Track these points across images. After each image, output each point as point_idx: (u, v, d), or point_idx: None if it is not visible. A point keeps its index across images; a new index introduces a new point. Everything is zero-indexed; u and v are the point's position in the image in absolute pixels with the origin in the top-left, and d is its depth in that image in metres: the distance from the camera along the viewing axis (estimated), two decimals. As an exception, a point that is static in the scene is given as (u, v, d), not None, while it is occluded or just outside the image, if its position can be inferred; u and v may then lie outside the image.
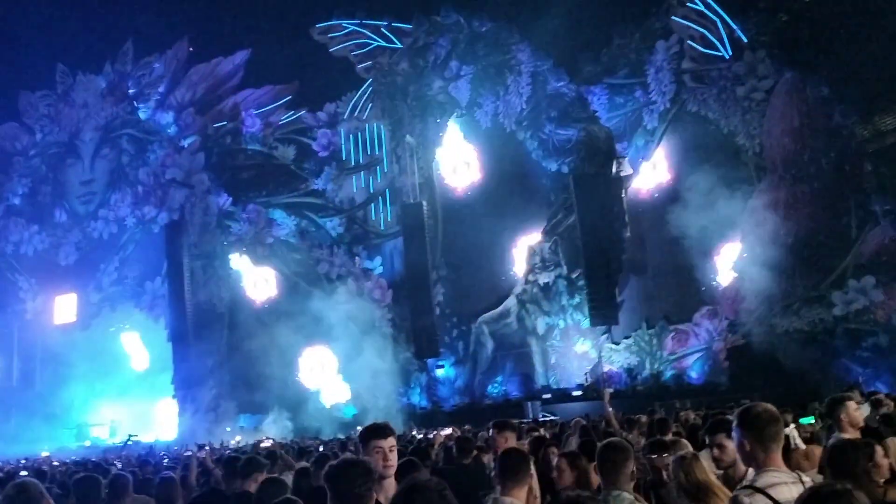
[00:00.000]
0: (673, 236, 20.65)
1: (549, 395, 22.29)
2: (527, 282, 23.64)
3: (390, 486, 3.38)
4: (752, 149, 21.11)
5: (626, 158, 22.74)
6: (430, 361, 24.34)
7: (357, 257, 26.32)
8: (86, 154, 30.98)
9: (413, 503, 2.27)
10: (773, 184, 20.31)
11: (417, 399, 24.30)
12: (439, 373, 24.34)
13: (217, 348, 26.63)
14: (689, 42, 22.42)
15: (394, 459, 3.47)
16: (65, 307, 30.83)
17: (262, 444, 14.17)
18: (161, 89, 30.22)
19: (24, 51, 29.69)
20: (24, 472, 10.76)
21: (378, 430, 3.53)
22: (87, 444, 26.29)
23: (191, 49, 30.21)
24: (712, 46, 22.31)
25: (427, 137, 24.99)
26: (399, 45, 25.53)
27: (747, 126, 21.17)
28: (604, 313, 22.04)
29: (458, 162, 25.43)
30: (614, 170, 22.36)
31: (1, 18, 30.06)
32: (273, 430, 22.50)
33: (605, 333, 22.82)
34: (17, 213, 31.95)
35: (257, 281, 27.34)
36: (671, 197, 21.45)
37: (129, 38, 31.10)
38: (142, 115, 30.46)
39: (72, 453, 21.61)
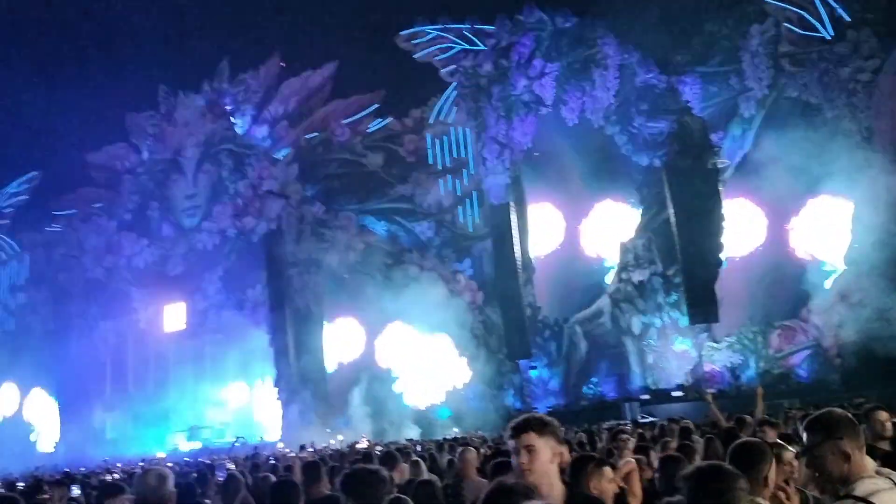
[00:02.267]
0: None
1: (647, 396, 21.69)
2: (620, 280, 23.08)
3: (558, 494, 2.82)
4: (860, 132, 19.87)
5: (723, 149, 21.87)
6: (522, 363, 24.16)
7: (447, 260, 26.49)
8: (189, 170, 32.69)
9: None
10: (885, 168, 19.03)
11: (511, 401, 24.16)
12: (532, 374, 24.12)
13: (318, 353, 27.41)
14: (785, 24, 21.38)
15: (532, 461, 2.83)
16: (174, 315, 32.57)
17: (358, 445, 14.44)
18: (255, 105, 31.49)
19: (130, 74, 31.63)
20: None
21: (516, 426, 2.92)
22: (199, 445, 27.58)
23: (282, 64, 31.36)
24: (811, 28, 21.19)
25: (513, 137, 24.83)
26: (482, 47, 25.55)
27: (853, 109, 19.95)
28: (703, 311, 21.27)
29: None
30: (710, 161, 21.55)
31: (107, 45, 32.18)
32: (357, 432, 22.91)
33: (705, 331, 22.00)
34: (129, 228, 34.01)
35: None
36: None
37: (224, 57, 32.61)
38: (238, 130, 31.83)
39: (184, 455, 22.73)
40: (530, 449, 2.81)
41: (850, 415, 2.88)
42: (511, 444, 2.84)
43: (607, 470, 3.90)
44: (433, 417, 24.63)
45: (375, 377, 26.39)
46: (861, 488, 2.68)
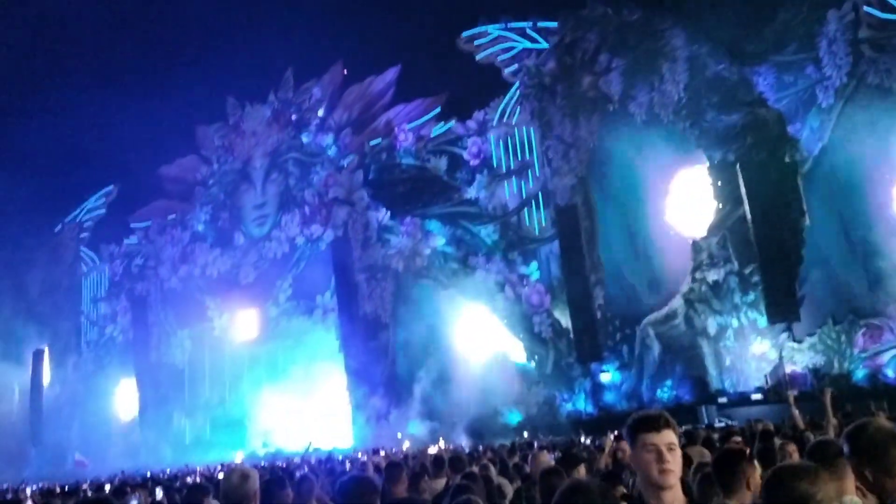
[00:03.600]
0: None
1: (724, 400, 20.94)
2: (693, 280, 22.33)
3: (675, 499, 2.58)
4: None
5: (801, 141, 20.94)
6: (593, 366, 23.68)
7: (513, 263, 26.25)
8: (257, 179, 33.50)
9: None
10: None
11: (583, 405, 23.72)
12: (604, 378, 23.60)
13: (385, 358, 27.59)
14: (865, 8, 20.32)
15: (675, 462, 2.61)
16: (247, 323, 33.37)
17: (430, 451, 14.38)
18: (320, 113, 32.01)
19: (198, 87, 32.66)
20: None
21: (647, 421, 2.67)
22: (273, 450, 28.10)
23: (345, 71, 31.79)
24: (893, 10, 20.08)
25: (579, 136, 24.40)
26: (545, 45, 25.24)
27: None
28: (783, 310, 20.37)
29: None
30: (787, 154, 20.66)
31: (176, 59, 33.32)
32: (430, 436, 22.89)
33: (785, 332, 21.08)
34: (202, 238, 35.10)
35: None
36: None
37: (288, 66, 33.28)
38: (304, 138, 32.41)
39: (260, 459, 23.17)
40: (672, 447, 2.61)
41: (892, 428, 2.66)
42: (646, 439, 2.60)
43: (756, 465, 3.75)
44: (503, 421, 24.42)
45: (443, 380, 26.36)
46: None
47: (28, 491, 13.04)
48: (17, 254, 38.10)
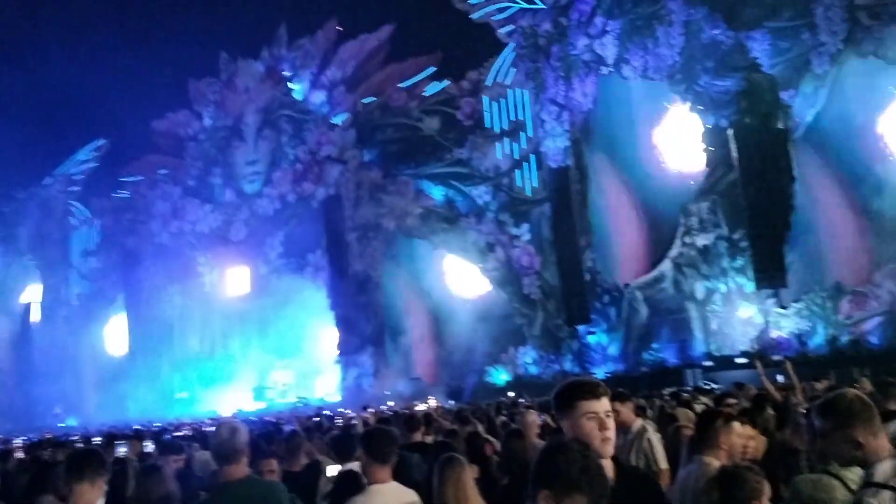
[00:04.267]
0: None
1: (710, 363, 21.24)
2: (683, 244, 22.47)
3: (608, 466, 2.43)
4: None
5: (794, 107, 20.88)
6: (581, 328, 23.96)
7: (504, 225, 26.32)
8: (249, 136, 33.23)
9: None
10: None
11: (569, 366, 24.06)
12: (591, 339, 23.91)
13: (375, 317, 27.81)
14: (862, -26, 20.07)
15: (613, 430, 2.52)
16: (237, 279, 33.47)
17: (417, 408, 14.60)
18: (313, 70, 31.62)
19: (190, 41, 32.16)
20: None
21: (588, 389, 2.55)
22: (264, 405, 28.47)
23: (339, 28, 31.31)
24: (891, -23, 19.82)
25: (572, 98, 24.26)
26: (541, 6, 24.90)
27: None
28: (770, 276, 20.55)
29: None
30: (780, 121, 20.63)
31: (168, 12, 32.73)
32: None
33: (772, 297, 21.32)
34: (193, 194, 34.94)
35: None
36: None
37: (282, 22, 32.74)
38: (297, 96, 32.09)
39: (249, 414, 23.48)
40: (610, 415, 2.54)
41: (864, 397, 2.74)
42: (586, 407, 2.51)
43: (737, 425, 3.89)
44: (489, 382, 24.78)
45: (431, 339, 26.69)
46: (880, 472, 2.56)
47: (18, 442, 13.21)
48: (7, 206, 37.90)
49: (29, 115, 32.98)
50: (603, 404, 2.55)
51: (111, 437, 10.49)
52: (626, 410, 5.28)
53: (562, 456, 2.02)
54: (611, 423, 2.54)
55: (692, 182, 22.66)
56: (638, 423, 5.37)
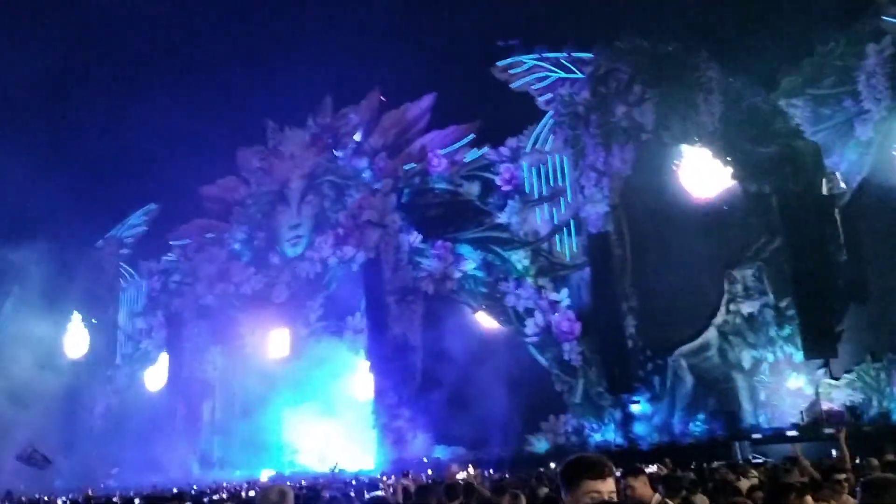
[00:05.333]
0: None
1: (759, 435, 20.51)
2: (728, 312, 22.04)
3: None
4: None
5: (838, 174, 20.66)
6: (624, 397, 23.41)
7: (543, 290, 26.19)
8: (293, 201, 34.07)
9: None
10: None
11: (612, 436, 23.43)
12: (634, 409, 23.30)
13: (412, 381, 27.63)
14: (905, 42, 20.09)
15: None
16: (278, 341, 33.74)
17: (459, 475, 14.31)
18: (357, 137, 32.53)
19: (240, 111, 33.53)
20: (251, 492, 11.85)
21: (592, 467, 2.51)
22: (300, 470, 28.21)
23: (382, 98, 32.34)
24: (934, 44, 19.80)
25: (611, 165, 24.42)
26: (580, 75, 25.40)
27: None
28: (820, 345, 19.97)
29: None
30: (824, 187, 20.40)
31: (219, 84, 34.25)
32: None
33: (822, 367, 20.64)
34: (238, 256, 35.70)
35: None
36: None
37: (327, 92, 33.98)
38: (340, 162, 32.93)
39: (286, 478, 23.30)
40: (612, 497, 2.51)
41: None
42: (590, 486, 2.46)
43: (809, 500, 3.76)
44: (530, 449, 24.22)
45: (470, 406, 26.27)
46: None
47: (59, 502, 13.29)
48: (60, 266, 39.15)
49: (85, 181, 34.48)
50: (608, 485, 2.51)
51: (151, 500, 10.52)
52: (641, 485, 5.03)
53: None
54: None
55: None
56: (656, 498, 5.14)
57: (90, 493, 19.99)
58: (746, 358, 21.68)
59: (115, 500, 13.13)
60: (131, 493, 16.45)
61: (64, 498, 16.39)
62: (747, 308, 21.71)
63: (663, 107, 23.41)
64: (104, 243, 40.33)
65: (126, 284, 40.09)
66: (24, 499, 20.73)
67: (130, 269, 40.00)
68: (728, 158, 22.23)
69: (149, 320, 38.25)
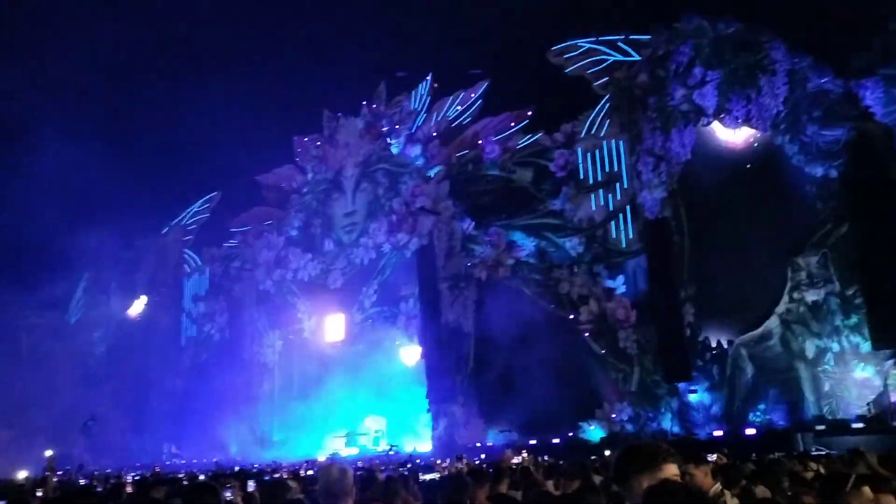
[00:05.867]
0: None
1: (822, 427, 19.90)
2: (791, 300, 21.38)
3: None
4: None
5: (910, 157, 19.77)
6: (681, 385, 23.02)
7: (598, 277, 25.90)
8: (348, 189, 34.58)
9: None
10: None
11: (669, 425, 23.10)
12: (692, 398, 22.89)
13: (465, 367, 27.77)
14: None
15: None
16: (334, 326, 34.37)
17: (514, 460, 14.37)
18: (410, 125, 32.69)
19: (296, 101, 34.07)
20: (310, 471, 12.16)
21: (651, 458, 2.34)
22: (356, 451, 28.76)
23: (435, 85, 32.38)
24: None
25: (670, 149, 23.88)
26: (637, 58, 24.90)
27: None
28: (889, 335, 19.21)
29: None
30: (894, 172, 19.55)
31: (276, 74, 34.86)
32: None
33: (891, 358, 19.88)
34: (295, 244, 36.48)
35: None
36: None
37: (381, 80, 34.22)
38: (394, 150, 33.19)
39: (342, 459, 23.76)
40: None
41: None
42: (645, 478, 2.33)
43: (867, 490, 3.70)
44: (583, 437, 24.10)
45: (524, 391, 26.26)
46: None
47: (128, 478, 13.88)
48: (128, 252, 40.68)
49: (150, 170, 35.68)
50: (666, 471, 2.37)
51: (216, 477, 10.88)
52: (701, 474, 4.93)
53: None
54: None
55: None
56: (716, 488, 5.07)
57: (157, 469, 20.87)
58: (810, 347, 21.03)
59: (180, 476, 13.64)
60: (195, 471, 17.04)
61: (133, 474, 17.10)
62: (811, 296, 21.03)
63: (725, 89, 22.75)
64: (169, 230, 41.72)
65: (190, 270, 41.39)
66: (95, 472, 21.73)
67: (194, 255, 41.26)
68: (792, 142, 21.48)
69: (211, 305, 39.43)
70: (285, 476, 12.26)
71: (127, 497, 8.82)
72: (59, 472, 18.57)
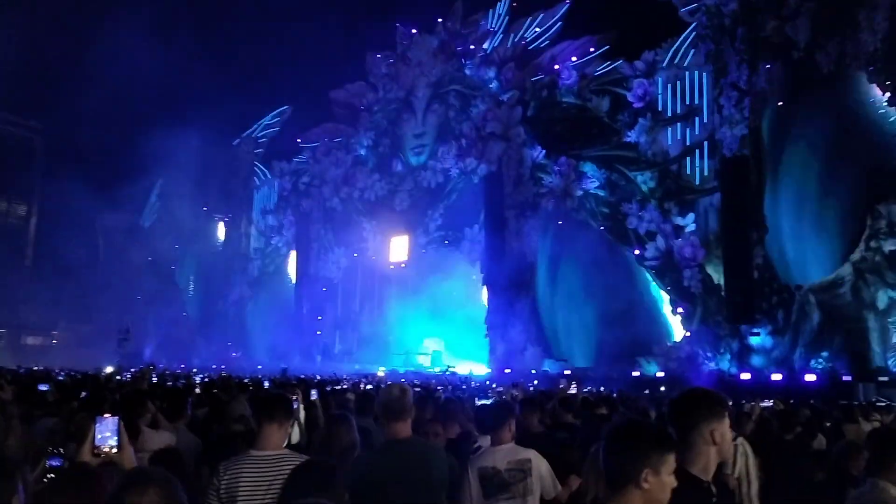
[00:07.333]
0: None
1: (886, 378, 19.42)
2: (868, 248, 20.53)
3: None
4: None
5: None
6: (743, 327, 22.67)
7: (668, 213, 25.35)
8: (419, 109, 34.32)
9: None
10: None
11: (727, 366, 22.92)
12: (753, 340, 22.55)
13: (526, 296, 27.96)
14: None
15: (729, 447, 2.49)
16: (398, 247, 34.93)
17: (569, 391, 14.58)
18: (486, 46, 31.93)
19: (369, 15, 33.58)
20: (369, 386, 12.69)
21: (713, 407, 2.37)
22: (412, 369, 29.68)
23: (514, 4, 31.30)
24: None
25: (756, 84, 22.70)
26: (729, -16, 23.43)
27: None
28: (970, 291, 18.37)
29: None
30: None
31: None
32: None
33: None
34: (363, 162, 36.76)
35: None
36: None
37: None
38: (468, 71, 32.60)
39: (400, 376, 24.59)
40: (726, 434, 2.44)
41: None
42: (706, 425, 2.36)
43: None
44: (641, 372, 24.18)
45: (583, 324, 26.43)
46: None
47: (197, 380, 14.66)
48: (200, 162, 41.83)
49: (223, 83, 36.19)
50: (724, 425, 2.39)
51: (280, 384, 11.48)
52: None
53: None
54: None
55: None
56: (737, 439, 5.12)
57: (223, 373, 22.01)
58: (882, 298, 20.31)
59: (246, 381, 14.40)
60: (259, 377, 17.94)
61: (202, 375, 18.13)
62: (890, 246, 20.14)
63: (819, 22, 21.30)
64: (241, 142, 42.57)
65: (259, 182, 42.38)
66: (167, 371, 23.12)
67: (264, 168, 42.14)
68: (888, 82, 20.12)
69: (279, 218, 40.52)
70: (345, 388, 12.83)
71: (195, 398, 9.36)
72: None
